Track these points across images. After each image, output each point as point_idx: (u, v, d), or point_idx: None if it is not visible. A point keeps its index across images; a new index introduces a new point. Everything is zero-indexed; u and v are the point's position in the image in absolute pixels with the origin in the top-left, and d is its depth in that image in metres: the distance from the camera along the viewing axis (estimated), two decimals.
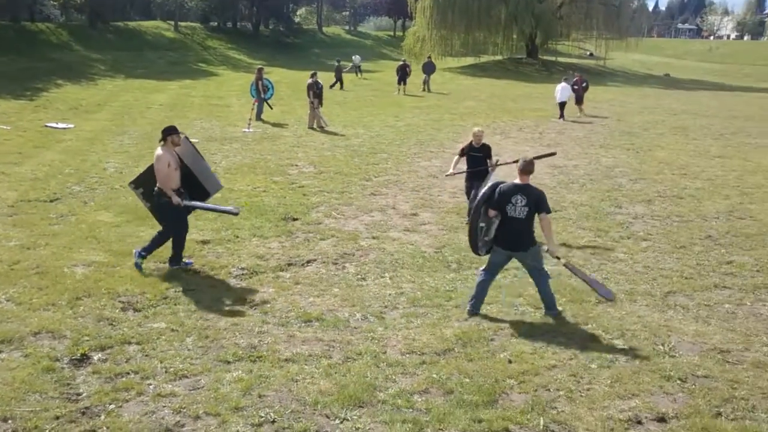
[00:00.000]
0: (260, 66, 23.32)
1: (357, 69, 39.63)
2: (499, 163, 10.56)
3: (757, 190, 13.09)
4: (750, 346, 6.28)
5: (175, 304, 6.91)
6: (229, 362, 5.68)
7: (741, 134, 20.79)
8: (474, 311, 6.88)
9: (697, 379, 5.57)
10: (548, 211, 6.75)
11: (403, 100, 28.38)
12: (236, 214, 8.42)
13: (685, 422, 4.89)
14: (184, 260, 8.09)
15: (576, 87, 24.31)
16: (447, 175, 11.01)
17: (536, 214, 6.68)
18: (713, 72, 56.10)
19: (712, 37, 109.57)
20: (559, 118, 22.88)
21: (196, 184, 8.21)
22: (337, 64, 34.05)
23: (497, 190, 6.76)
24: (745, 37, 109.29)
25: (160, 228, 8.08)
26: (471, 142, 10.45)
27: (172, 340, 6.08)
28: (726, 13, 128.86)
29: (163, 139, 7.76)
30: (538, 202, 6.64)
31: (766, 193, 12.78)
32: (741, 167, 15.38)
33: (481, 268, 7.07)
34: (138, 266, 7.83)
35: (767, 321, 6.92)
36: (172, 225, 7.91)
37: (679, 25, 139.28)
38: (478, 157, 10.40)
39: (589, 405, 5.10)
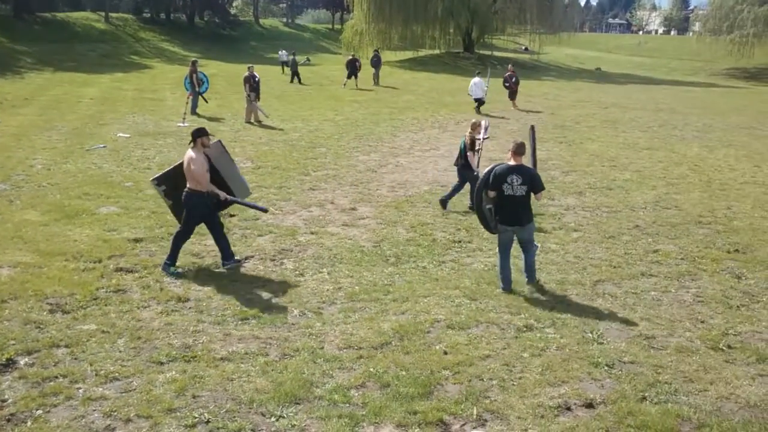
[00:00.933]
0: (194, 59, 22.88)
1: (284, 64, 37.88)
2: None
3: (682, 180, 13.64)
4: (674, 331, 6.55)
5: (106, 305, 6.73)
6: (162, 363, 5.58)
7: (667, 126, 21.61)
8: (508, 288, 7.44)
9: (624, 365, 5.78)
10: (542, 188, 7.42)
11: (343, 94, 28.32)
12: (266, 211, 8.74)
13: (612, 407, 5.08)
14: (175, 269, 7.75)
15: (507, 83, 24.52)
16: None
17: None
18: (642, 66, 58.03)
19: (641, 32, 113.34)
20: (477, 112, 22.55)
21: (224, 187, 8.01)
22: (292, 57, 33.81)
23: (492, 173, 7.29)
24: (672, 32, 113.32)
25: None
26: (475, 133, 10.68)
27: (102, 342, 5.93)
28: (654, 8, 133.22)
29: (193, 141, 7.66)
30: (532, 180, 7.27)
31: (690, 184, 13.33)
32: (667, 158, 15.99)
33: (498, 251, 7.65)
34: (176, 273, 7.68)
35: (690, 307, 7.23)
36: (191, 223, 7.81)
37: (610, 20, 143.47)
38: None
39: (520, 393, 5.23)
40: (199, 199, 7.66)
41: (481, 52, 53.43)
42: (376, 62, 33.48)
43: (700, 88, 40.90)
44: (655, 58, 63.63)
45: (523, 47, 61.96)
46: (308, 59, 35.16)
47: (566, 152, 16.35)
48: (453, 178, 13.13)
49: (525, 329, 6.45)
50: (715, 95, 35.87)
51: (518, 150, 7.34)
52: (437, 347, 6.01)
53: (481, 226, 7.91)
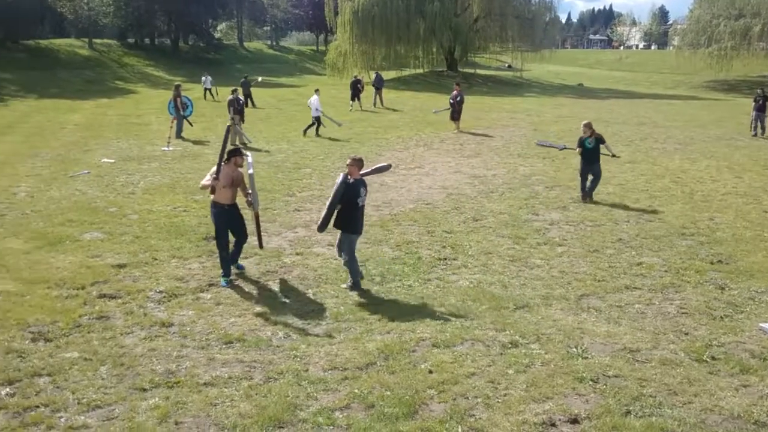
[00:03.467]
0: (178, 83, 22.90)
1: (207, 90, 35.72)
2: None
3: (665, 193, 13.76)
4: (658, 344, 6.58)
5: (89, 332, 6.68)
6: (145, 389, 5.53)
7: (649, 140, 21.83)
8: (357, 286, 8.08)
9: (608, 379, 5.79)
10: None
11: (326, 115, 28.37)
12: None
13: (597, 422, 5.07)
14: (227, 280, 8.36)
15: (452, 101, 23.13)
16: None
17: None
18: (623, 81, 58.66)
19: (621, 47, 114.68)
20: (313, 132, 21.48)
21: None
22: (243, 79, 32.27)
23: (347, 184, 7.88)
24: (652, 47, 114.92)
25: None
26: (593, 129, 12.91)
27: (85, 370, 5.87)
28: (634, 23, 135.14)
29: (228, 159, 8.36)
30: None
31: (672, 196, 13.45)
32: (649, 171, 16.13)
33: (353, 253, 8.17)
34: (240, 267, 8.59)
35: (674, 319, 7.27)
36: (217, 233, 8.52)
37: (591, 36, 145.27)
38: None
39: (505, 410, 5.23)
40: (214, 209, 8.38)
41: (464, 70, 53.85)
42: (379, 83, 32.92)
43: (681, 101, 41.37)
44: (636, 73, 64.41)
45: (506, 65, 62.60)
46: (259, 79, 33.19)
47: (550, 167, 16.46)
48: (437, 195, 13.22)
49: (510, 345, 6.45)
50: (696, 108, 36.31)
51: (360, 164, 8.08)
52: (422, 366, 5.99)
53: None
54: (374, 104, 31.88)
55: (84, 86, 40.83)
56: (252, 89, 31.54)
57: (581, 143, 13.02)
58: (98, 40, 55.93)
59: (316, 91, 22.99)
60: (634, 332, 6.85)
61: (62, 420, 5.07)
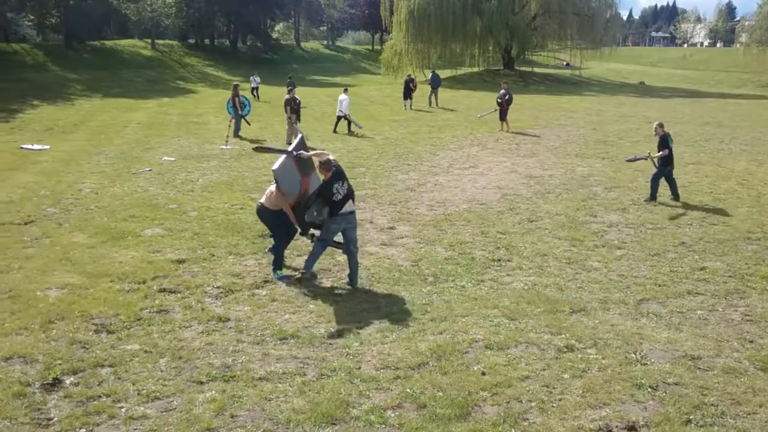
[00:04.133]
0: (236, 83, 23.34)
1: (254, 90, 35.85)
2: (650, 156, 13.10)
3: (730, 195, 13.29)
4: (721, 351, 6.36)
5: (149, 325, 6.87)
6: (202, 382, 5.65)
7: (714, 141, 21.12)
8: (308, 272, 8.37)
9: (668, 386, 5.62)
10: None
11: (381, 114, 28.49)
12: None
13: (655, 430, 4.93)
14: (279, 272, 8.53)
15: (499, 100, 22.91)
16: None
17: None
18: (687, 79, 56.97)
19: (685, 45, 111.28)
20: (356, 129, 22.31)
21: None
22: (289, 79, 32.04)
23: (319, 190, 8.18)
24: (718, 44, 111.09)
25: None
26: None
27: (145, 362, 6.04)
28: (699, 20, 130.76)
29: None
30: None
31: (738, 199, 12.97)
32: (714, 173, 15.61)
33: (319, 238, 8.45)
34: (282, 278, 8.44)
35: (738, 326, 7.01)
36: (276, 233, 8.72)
37: (654, 34, 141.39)
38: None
39: (560, 415, 5.13)
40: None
41: (521, 68, 53.19)
42: (433, 81, 32.43)
43: (748, 100, 39.89)
44: (700, 71, 62.42)
45: (564, 63, 61.55)
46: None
47: (609, 168, 16.11)
48: (491, 195, 13.10)
49: (566, 350, 6.33)
50: (764, 107, 34.92)
51: (327, 166, 8.10)
52: (475, 368, 5.94)
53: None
54: (429, 104, 31.69)
55: (146, 86, 42.05)
56: (305, 89, 31.76)
57: (667, 143, 12.66)
58: (160, 41, 57.56)
59: (345, 90, 23.35)
60: (696, 339, 6.63)
61: (123, 410, 5.22)
